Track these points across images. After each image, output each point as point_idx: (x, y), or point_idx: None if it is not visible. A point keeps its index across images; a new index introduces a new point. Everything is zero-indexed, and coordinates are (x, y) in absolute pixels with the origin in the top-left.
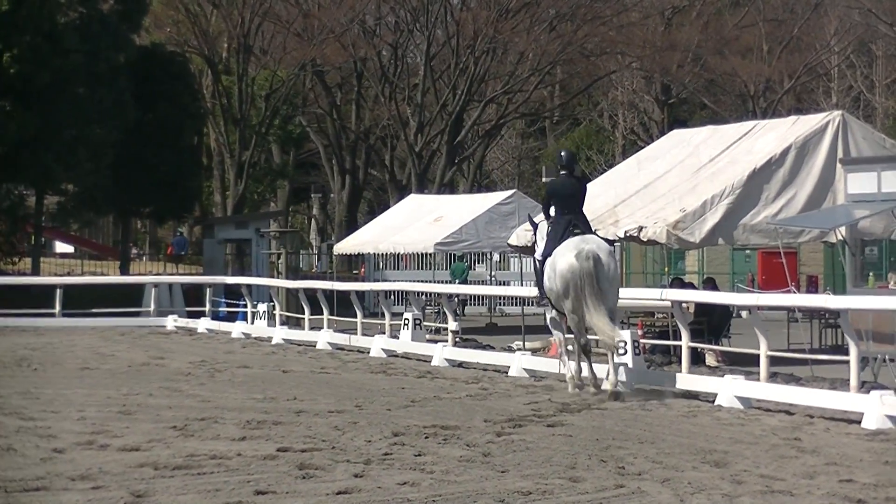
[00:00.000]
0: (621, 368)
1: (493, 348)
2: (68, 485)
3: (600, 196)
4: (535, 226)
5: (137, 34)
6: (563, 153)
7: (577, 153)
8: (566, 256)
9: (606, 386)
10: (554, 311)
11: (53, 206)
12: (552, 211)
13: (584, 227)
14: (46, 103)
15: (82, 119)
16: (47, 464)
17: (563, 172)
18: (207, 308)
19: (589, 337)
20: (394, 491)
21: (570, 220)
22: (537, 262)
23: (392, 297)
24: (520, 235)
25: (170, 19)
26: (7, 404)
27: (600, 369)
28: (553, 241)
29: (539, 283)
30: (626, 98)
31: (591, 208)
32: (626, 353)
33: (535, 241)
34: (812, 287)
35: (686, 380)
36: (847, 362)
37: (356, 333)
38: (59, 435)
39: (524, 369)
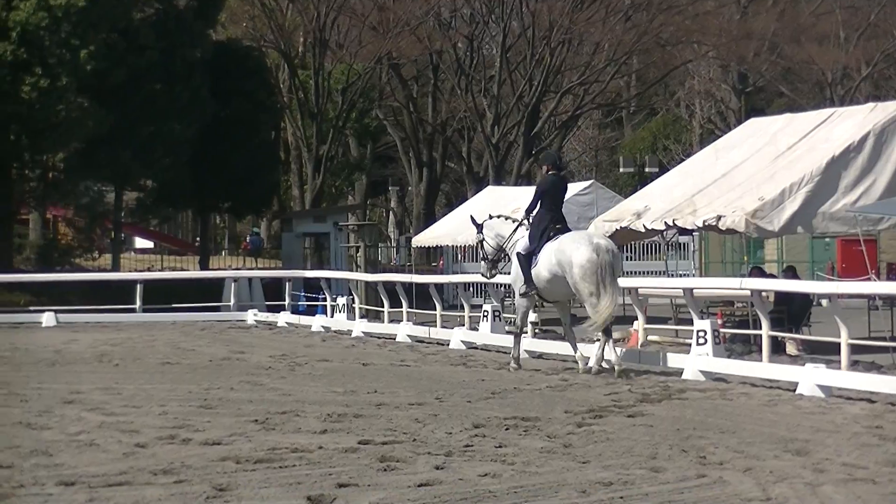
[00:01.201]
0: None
1: None
2: (151, 479)
3: (678, 186)
4: (478, 226)
5: (213, 30)
6: (552, 153)
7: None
8: (581, 250)
9: (591, 364)
10: (526, 300)
11: (132, 203)
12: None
13: (564, 225)
14: (123, 100)
15: (159, 115)
16: (130, 458)
17: (551, 172)
18: (287, 302)
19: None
20: (475, 482)
21: (553, 217)
22: (519, 256)
23: (471, 289)
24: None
25: (245, 14)
26: (89, 400)
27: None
28: (538, 237)
29: (526, 274)
30: (703, 87)
31: (669, 198)
32: (706, 342)
33: (484, 240)
34: (892, 275)
35: (766, 369)
36: None
37: (436, 326)
38: (141, 430)
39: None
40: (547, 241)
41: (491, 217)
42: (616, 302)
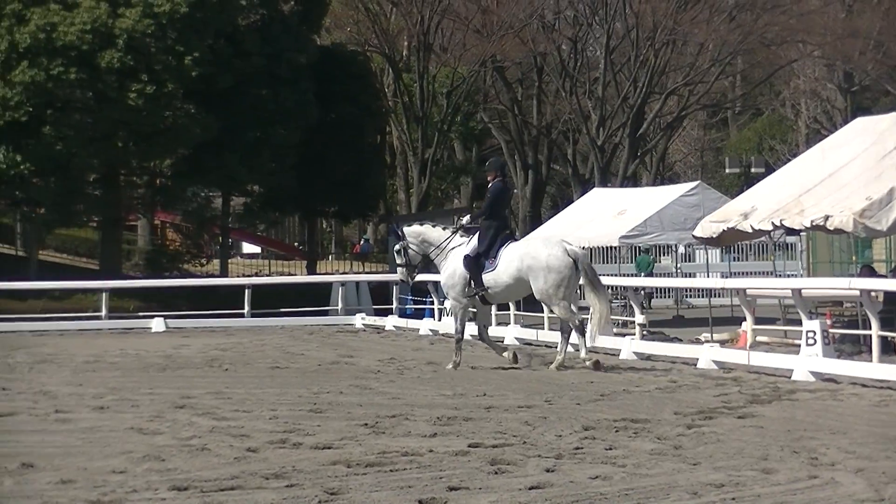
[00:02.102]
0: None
1: (680, 340)
2: (262, 483)
3: (785, 186)
4: (401, 233)
5: (318, 35)
6: (499, 160)
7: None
8: (555, 255)
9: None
10: (465, 302)
11: (239, 208)
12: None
13: (511, 230)
14: (229, 105)
15: (265, 120)
16: (241, 463)
17: (498, 178)
18: (395, 305)
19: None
20: (586, 485)
21: (503, 224)
22: (468, 258)
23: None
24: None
25: (350, 19)
26: (200, 404)
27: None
28: (491, 241)
29: (476, 276)
30: (809, 87)
31: (776, 198)
32: (816, 343)
33: (408, 245)
34: None
35: (877, 369)
36: None
37: (543, 328)
38: (251, 434)
39: (713, 361)
40: (502, 246)
41: (410, 225)
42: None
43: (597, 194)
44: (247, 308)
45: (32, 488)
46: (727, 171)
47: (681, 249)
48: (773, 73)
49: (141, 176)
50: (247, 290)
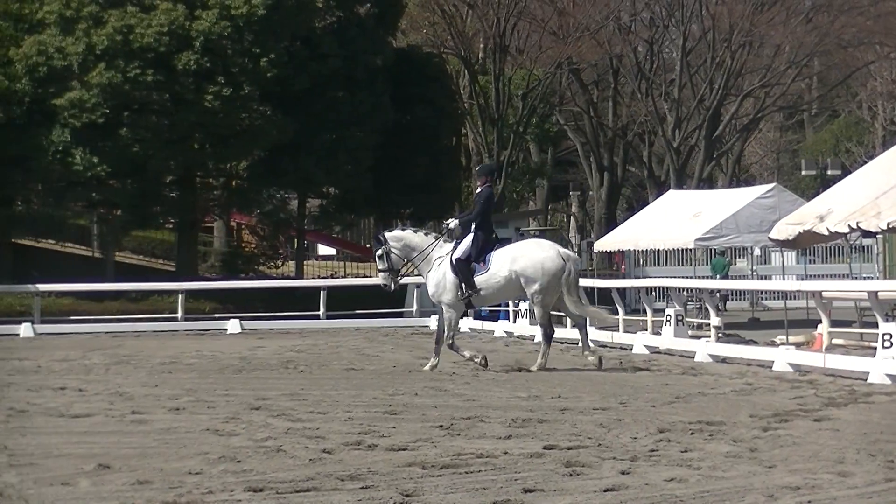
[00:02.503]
0: None
1: (756, 343)
2: (338, 485)
3: (861, 188)
4: (384, 240)
5: (394, 37)
6: (492, 165)
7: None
8: (551, 258)
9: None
10: (458, 307)
11: (315, 210)
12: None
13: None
14: (305, 108)
15: (341, 123)
16: (316, 465)
17: (487, 184)
18: None
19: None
20: (661, 487)
21: (491, 228)
22: (459, 262)
23: (653, 293)
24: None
25: (426, 21)
26: (275, 406)
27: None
28: (482, 246)
29: (468, 279)
30: (885, 88)
31: (852, 201)
32: (892, 346)
33: (391, 251)
34: None
35: None
36: None
37: (618, 330)
38: (327, 436)
39: (788, 364)
40: (490, 251)
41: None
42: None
43: (672, 196)
44: (322, 310)
45: (109, 489)
46: (803, 173)
47: (756, 252)
48: (849, 75)
49: (217, 178)
50: (322, 292)
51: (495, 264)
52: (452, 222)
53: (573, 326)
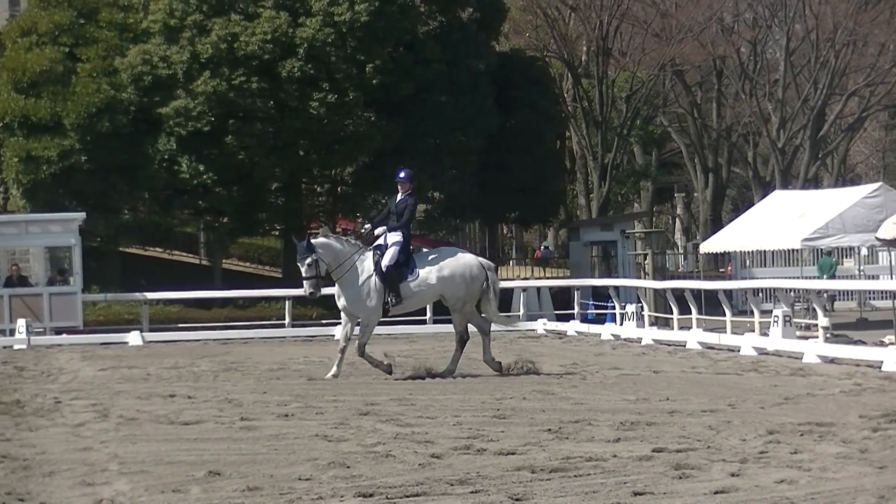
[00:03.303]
0: None
1: (864, 343)
2: (447, 490)
3: None
4: (312, 249)
5: (497, 41)
6: (411, 171)
7: None
8: (476, 266)
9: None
10: (378, 315)
11: (420, 214)
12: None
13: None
14: (409, 113)
15: (445, 127)
16: (426, 469)
17: (411, 191)
18: (576, 311)
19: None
20: (771, 489)
21: (410, 234)
22: (389, 269)
23: (760, 294)
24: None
25: (528, 24)
26: (384, 411)
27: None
28: (408, 253)
29: (394, 286)
30: None
31: None
32: None
33: (320, 259)
34: None
35: None
36: None
37: (725, 332)
38: (436, 440)
39: None
40: (414, 257)
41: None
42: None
43: (778, 197)
44: (429, 314)
45: (219, 496)
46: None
47: (863, 251)
48: None
49: (322, 184)
50: None
51: (423, 272)
52: (379, 229)
53: (481, 332)
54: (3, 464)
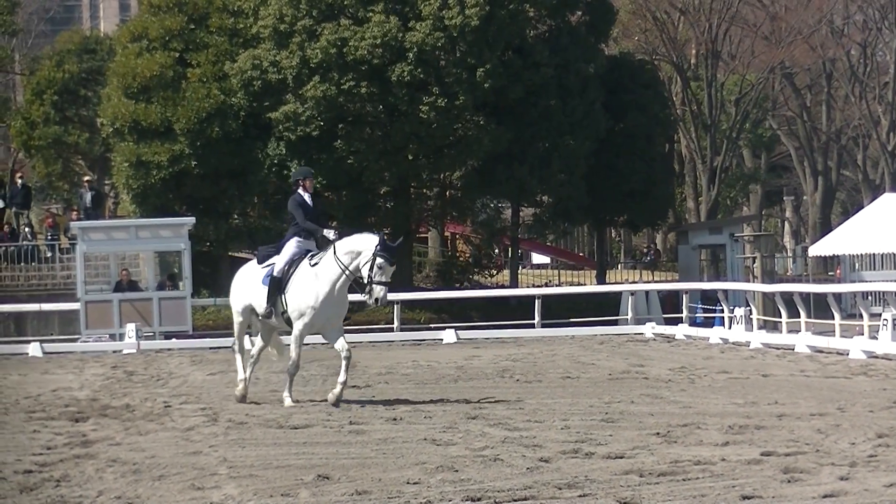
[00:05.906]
0: None
1: None
2: (556, 493)
3: None
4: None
5: (606, 44)
6: (308, 168)
7: None
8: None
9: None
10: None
11: (529, 218)
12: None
13: None
14: (518, 117)
15: (554, 131)
16: (534, 473)
17: (303, 190)
18: (684, 314)
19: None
20: (881, 493)
21: None
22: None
23: (869, 297)
24: None
25: (637, 28)
26: (492, 415)
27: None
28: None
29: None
30: None
31: None
32: None
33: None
34: None
35: None
36: None
37: (834, 335)
38: (544, 444)
39: None
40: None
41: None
42: None
43: (888, 200)
44: (537, 318)
45: (328, 500)
46: None
47: None
48: None
49: (431, 188)
50: (537, 301)
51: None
52: (331, 233)
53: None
54: (113, 468)
